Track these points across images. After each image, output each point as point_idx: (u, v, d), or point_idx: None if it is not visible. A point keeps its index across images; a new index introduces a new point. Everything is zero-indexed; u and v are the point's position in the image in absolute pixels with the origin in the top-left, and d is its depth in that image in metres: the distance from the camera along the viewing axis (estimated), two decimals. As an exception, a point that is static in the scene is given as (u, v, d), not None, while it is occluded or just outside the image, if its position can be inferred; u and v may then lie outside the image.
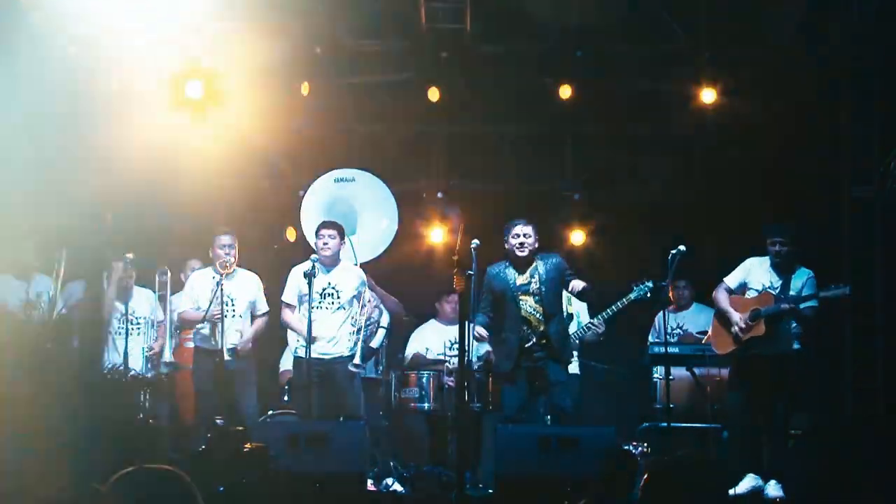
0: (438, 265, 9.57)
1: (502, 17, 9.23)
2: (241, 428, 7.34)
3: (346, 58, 9.44)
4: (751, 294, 7.63)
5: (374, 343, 8.55)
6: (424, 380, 8.50)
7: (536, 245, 7.56)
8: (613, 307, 8.16)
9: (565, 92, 9.55)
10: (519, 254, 7.50)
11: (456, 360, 8.14)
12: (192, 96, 9.01)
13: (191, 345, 8.61)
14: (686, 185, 9.98)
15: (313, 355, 7.68)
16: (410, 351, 9.12)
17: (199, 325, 8.16)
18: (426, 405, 8.50)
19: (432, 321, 9.24)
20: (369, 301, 8.13)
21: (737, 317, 7.53)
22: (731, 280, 7.72)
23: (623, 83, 9.64)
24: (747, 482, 7.29)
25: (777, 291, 7.50)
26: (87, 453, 6.21)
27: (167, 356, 8.32)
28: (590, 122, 9.74)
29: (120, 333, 8.33)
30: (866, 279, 8.83)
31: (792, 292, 7.48)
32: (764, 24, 9.07)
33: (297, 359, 7.92)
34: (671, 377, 7.65)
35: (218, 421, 7.74)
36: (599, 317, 8.30)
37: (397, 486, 7.88)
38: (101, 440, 6.38)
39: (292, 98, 9.57)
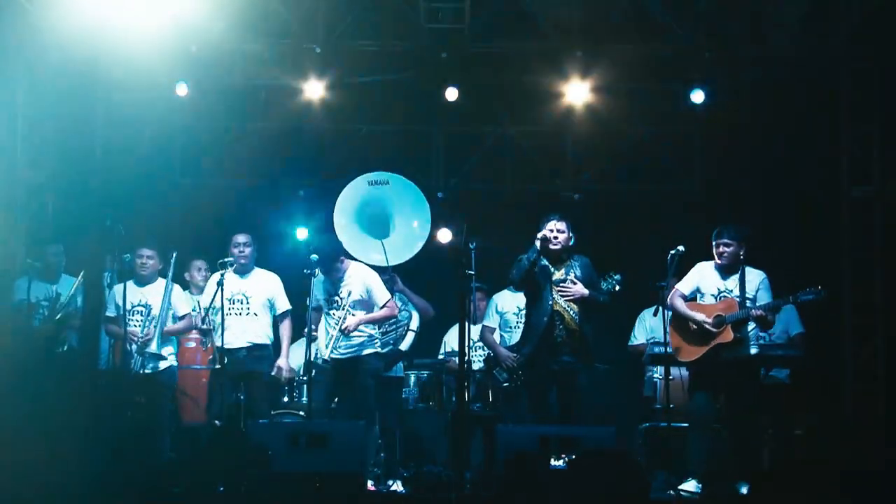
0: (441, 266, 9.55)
1: (502, 17, 9.23)
2: (240, 428, 7.32)
3: (345, 58, 9.43)
4: (707, 300, 7.49)
5: (404, 346, 8.54)
6: (424, 379, 8.49)
7: (570, 243, 7.58)
8: None
9: (576, 92, 9.53)
10: (551, 248, 7.48)
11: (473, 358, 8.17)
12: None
13: (191, 344, 8.60)
14: (686, 186, 9.97)
15: (331, 356, 7.79)
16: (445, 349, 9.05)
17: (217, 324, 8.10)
18: (427, 405, 8.49)
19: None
20: (389, 301, 8.06)
21: (701, 318, 7.37)
22: (685, 286, 7.55)
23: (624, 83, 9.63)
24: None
25: (732, 295, 7.39)
26: (84, 452, 6.22)
27: (153, 347, 7.99)
28: (591, 122, 9.71)
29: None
30: (866, 279, 8.86)
31: (748, 295, 7.35)
32: (764, 24, 9.07)
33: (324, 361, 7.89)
34: (671, 377, 7.62)
35: (216, 422, 7.73)
36: None
37: (398, 487, 7.88)
38: (99, 439, 6.38)
39: (292, 98, 9.58)
